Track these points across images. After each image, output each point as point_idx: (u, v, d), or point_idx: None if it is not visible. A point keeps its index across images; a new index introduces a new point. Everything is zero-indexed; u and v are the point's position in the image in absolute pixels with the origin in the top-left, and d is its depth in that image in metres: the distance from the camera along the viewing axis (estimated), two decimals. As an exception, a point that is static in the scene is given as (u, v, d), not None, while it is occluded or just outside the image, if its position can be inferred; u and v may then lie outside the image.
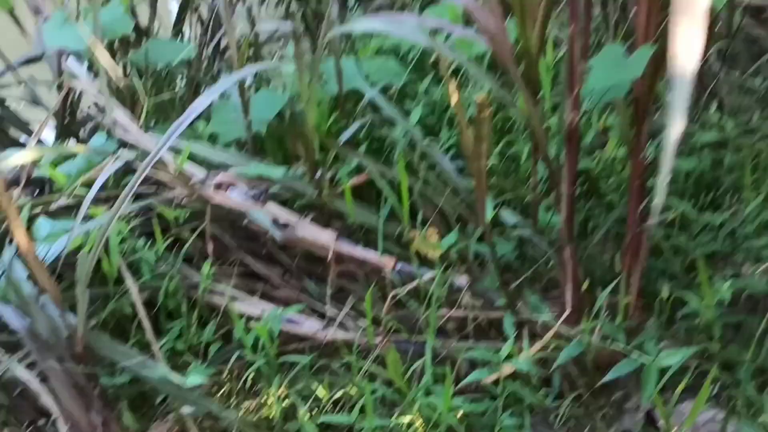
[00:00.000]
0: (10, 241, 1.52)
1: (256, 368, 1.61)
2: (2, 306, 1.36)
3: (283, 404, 1.57)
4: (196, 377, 1.31)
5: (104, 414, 1.35)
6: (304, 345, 1.70)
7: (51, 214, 1.77)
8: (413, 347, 1.58)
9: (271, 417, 1.59)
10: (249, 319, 1.70)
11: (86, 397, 1.36)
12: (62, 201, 1.78)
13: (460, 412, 1.41)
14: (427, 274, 1.57)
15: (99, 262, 1.58)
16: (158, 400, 1.63)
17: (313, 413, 1.56)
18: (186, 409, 1.43)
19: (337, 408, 1.56)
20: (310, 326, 1.67)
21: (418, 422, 1.44)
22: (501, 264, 1.60)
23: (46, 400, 1.36)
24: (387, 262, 1.60)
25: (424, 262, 1.71)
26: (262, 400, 1.61)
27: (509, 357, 1.45)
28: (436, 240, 1.62)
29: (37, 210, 1.79)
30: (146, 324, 1.58)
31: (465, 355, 1.51)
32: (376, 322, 1.69)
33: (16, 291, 1.36)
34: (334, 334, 1.64)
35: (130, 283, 1.59)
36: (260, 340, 1.58)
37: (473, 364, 1.55)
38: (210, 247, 1.78)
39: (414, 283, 1.55)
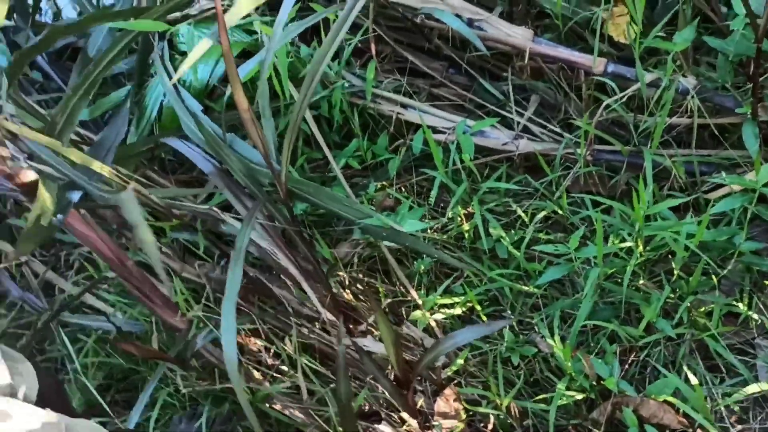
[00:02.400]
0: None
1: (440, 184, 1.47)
2: (187, 145, 1.20)
3: (473, 222, 1.45)
4: (414, 224, 1.18)
5: (310, 253, 1.25)
6: (487, 159, 1.53)
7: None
8: (627, 160, 1.39)
9: (458, 236, 1.49)
10: (417, 127, 1.52)
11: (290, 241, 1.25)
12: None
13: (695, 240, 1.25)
14: (648, 76, 1.32)
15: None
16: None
17: (512, 233, 1.44)
18: (386, 242, 1.32)
19: (538, 230, 1.43)
20: (497, 137, 1.48)
21: (641, 248, 1.30)
22: (735, 61, 1.33)
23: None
24: (598, 63, 1.35)
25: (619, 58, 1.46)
26: (448, 217, 1.49)
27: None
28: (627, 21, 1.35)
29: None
30: (323, 143, 1.43)
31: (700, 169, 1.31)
32: (572, 131, 1.49)
33: (200, 129, 1.17)
34: (527, 145, 1.45)
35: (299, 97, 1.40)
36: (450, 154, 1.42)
37: (693, 179, 1.37)
38: (373, 47, 1.56)
39: (635, 87, 1.31)
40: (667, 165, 1.36)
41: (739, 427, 1.22)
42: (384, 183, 1.54)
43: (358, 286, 1.51)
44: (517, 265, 1.41)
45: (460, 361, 1.35)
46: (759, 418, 1.24)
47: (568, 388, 1.27)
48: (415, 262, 1.47)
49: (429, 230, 1.49)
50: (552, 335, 1.30)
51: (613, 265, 1.32)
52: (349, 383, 0.93)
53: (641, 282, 1.34)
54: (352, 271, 1.50)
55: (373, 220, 1.18)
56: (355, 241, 1.50)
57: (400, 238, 1.20)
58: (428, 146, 1.46)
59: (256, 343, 1.48)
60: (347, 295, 1.48)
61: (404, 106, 1.55)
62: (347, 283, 1.49)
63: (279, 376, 1.44)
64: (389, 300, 1.45)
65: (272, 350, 1.47)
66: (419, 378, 1.37)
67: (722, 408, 1.23)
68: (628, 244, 1.30)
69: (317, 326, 1.45)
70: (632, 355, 1.33)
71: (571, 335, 1.26)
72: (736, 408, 1.24)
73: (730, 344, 1.28)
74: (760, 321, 1.28)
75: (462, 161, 1.44)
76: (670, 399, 1.21)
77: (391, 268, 1.45)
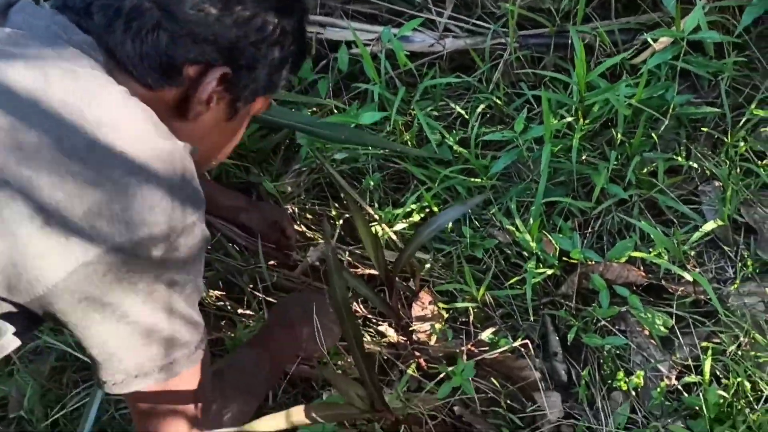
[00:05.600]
0: None
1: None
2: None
3: (414, 128, 1.44)
4: (372, 116, 1.14)
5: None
6: (415, 64, 1.51)
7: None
8: (552, 40, 1.41)
9: (404, 140, 1.47)
10: (348, 44, 1.49)
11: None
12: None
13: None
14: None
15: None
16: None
17: (453, 133, 1.44)
18: (338, 155, 1.29)
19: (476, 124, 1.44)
20: (422, 40, 1.47)
21: (581, 122, 1.33)
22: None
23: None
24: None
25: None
26: (391, 128, 1.47)
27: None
28: None
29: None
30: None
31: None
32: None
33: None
34: (454, 43, 1.45)
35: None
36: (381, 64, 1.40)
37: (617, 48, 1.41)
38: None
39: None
40: (589, 39, 1.39)
41: (699, 269, 1.29)
42: (316, 106, 1.50)
43: (308, 216, 1.47)
44: (463, 164, 1.42)
45: (428, 266, 1.35)
46: (713, 258, 1.31)
47: (536, 268, 1.29)
48: (363, 180, 1.44)
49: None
50: (512, 222, 1.32)
51: (556, 144, 1.35)
52: (344, 281, 0.90)
53: (584, 158, 1.38)
54: (300, 201, 1.47)
55: (333, 118, 1.14)
56: (297, 170, 1.46)
57: (360, 137, 1.17)
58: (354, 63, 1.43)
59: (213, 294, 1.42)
60: (300, 227, 1.44)
61: (322, 25, 1.50)
62: (297, 215, 1.46)
63: (244, 319, 1.39)
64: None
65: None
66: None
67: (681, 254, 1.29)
68: (569, 119, 1.33)
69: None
70: (587, 228, 1.37)
71: (534, 214, 1.28)
72: (692, 253, 1.31)
73: (677, 196, 1.34)
74: (699, 169, 1.35)
75: (394, 68, 1.42)
76: (635, 254, 1.25)
77: (342, 188, 1.42)
